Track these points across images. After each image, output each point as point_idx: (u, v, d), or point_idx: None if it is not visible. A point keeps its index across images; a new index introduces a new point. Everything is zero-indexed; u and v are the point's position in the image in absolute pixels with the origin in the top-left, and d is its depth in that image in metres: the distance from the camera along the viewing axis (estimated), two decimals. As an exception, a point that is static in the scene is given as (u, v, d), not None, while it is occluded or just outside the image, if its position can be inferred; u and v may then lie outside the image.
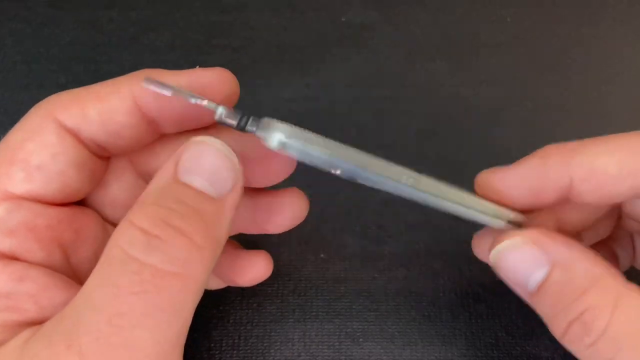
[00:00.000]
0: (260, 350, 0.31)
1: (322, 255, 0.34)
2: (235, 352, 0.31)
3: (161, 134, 0.24)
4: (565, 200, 0.25)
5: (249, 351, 0.31)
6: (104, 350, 0.18)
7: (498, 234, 0.25)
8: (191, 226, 0.19)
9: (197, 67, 0.23)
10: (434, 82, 0.42)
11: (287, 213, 0.27)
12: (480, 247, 0.28)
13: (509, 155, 0.39)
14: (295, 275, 0.33)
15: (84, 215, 0.24)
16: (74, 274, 0.23)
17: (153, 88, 0.21)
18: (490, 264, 0.29)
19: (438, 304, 0.32)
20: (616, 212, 0.30)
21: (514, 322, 0.32)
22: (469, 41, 0.45)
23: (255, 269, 0.28)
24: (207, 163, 0.21)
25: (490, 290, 0.33)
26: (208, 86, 0.22)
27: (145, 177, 0.25)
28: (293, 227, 0.27)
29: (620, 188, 0.23)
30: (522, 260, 0.23)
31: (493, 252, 0.24)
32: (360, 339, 0.31)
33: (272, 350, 0.31)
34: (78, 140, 0.22)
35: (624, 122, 0.41)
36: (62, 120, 0.22)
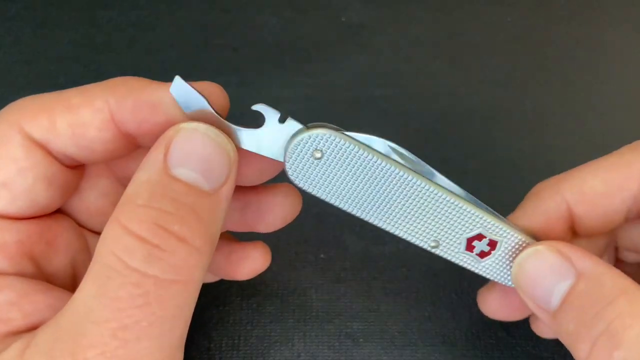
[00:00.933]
0: (260, 351, 0.31)
1: (322, 256, 0.34)
2: (235, 352, 0.30)
3: (139, 146, 0.22)
4: (572, 232, 0.25)
5: (248, 351, 0.30)
6: None
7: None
8: (190, 230, 0.18)
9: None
10: (434, 82, 0.42)
11: (278, 212, 0.25)
12: (486, 301, 0.28)
13: (509, 155, 0.39)
14: (295, 275, 0.33)
15: (56, 224, 0.23)
16: (48, 280, 0.22)
17: (179, 96, 0.19)
18: (495, 312, 0.28)
19: (438, 304, 0.32)
20: (614, 248, 0.29)
21: (515, 322, 0.32)
22: (469, 41, 0.45)
23: (252, 261, 0.27)
24: (199, 153, 0.19)
25: (491, 291, 0.33)
26: None
27: (125, 182, 0.23)
28: (285, 225, 0.26)
29: (612, 204, 0.23)
30: (546, 270, 0.22)
31: (515, 263, 0.23)
32: (361, 340, 0.31)
33: (272, 351, 0.31)
34: (47, 152, 0.21)
35: (623, 122, 0.41)
36: (28, 131, 0.20)
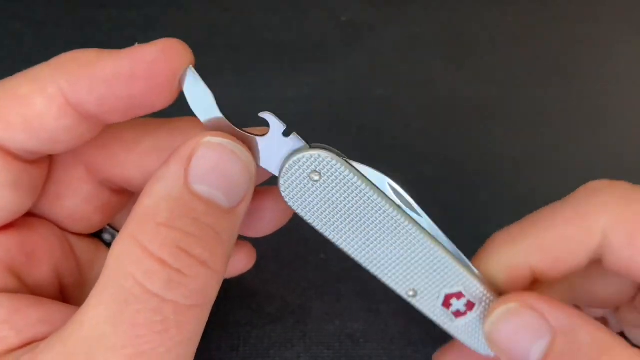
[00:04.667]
0: (260, 352, 0.30)
1: (322, 256, 0.34)
2: (234, 353, 0.30)
3: (107, 124, 0.20)
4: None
5: (248, 352, 0.30)
6: None
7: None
8: (211, 253, 0.18)
9: (136, 44, 0.19)
10: (434, 81, 0.42)
11: (268, 217, 0.24)
12: None
13: (509, 155, 0.39)
14: (295, 275, 0.33)
15: (35, 233, 0.21)
16: (33, 292, 0.21)
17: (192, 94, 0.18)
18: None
19: (438, 305, 0.32)
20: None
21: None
22: (469, 41, 0.45)
23: (236, 262, 0.27)
24: (223, 171, 0.18)
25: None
26: (154, 65, 0.19)
27: (109, 184, 0.23)
28: (275, 230, 0.25)
29: (574, 260, 0.23)
30: (520, 330, 0.21)
31: (487, 323, 0.22)
32: (361, 340, 0.31)
33: (271, 352, 0.30)
34: (5, 153, 0.19)
35: (624, 122, 0.41)
36: None
